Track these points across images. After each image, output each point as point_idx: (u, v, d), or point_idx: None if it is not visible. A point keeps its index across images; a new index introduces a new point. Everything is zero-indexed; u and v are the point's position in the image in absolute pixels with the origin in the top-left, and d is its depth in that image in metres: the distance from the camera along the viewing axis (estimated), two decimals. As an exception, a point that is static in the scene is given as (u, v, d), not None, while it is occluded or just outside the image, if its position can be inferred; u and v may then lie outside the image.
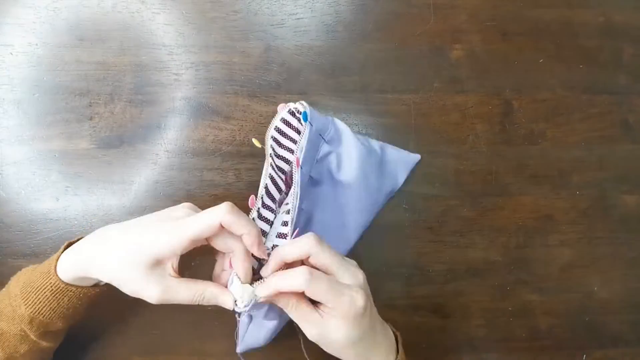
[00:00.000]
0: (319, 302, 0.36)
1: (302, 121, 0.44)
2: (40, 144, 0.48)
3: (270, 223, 0.43)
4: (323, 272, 0.35)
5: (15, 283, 0.38)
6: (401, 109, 0.51)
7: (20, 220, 0.47)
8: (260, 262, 0.40)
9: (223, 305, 0.37)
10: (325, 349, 0.37)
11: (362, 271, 0.37)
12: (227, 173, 0.49)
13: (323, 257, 0.35)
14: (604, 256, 0.52)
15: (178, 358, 0.48)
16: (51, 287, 0.36)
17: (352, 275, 0.36)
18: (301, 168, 0.42)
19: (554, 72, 0.53)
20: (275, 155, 0.44)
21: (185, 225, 0.34)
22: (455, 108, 0.52)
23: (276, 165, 0.43)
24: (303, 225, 0.45)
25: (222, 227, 0.34)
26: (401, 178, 0.50)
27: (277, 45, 0.51)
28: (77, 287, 0.37)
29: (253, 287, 0.36)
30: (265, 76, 0.50)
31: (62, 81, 0.48)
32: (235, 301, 0.36)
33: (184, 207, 0.38)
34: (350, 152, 0.47)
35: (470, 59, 0.53)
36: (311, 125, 0.44)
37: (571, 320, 0.52)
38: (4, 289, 0.39)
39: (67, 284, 0.36)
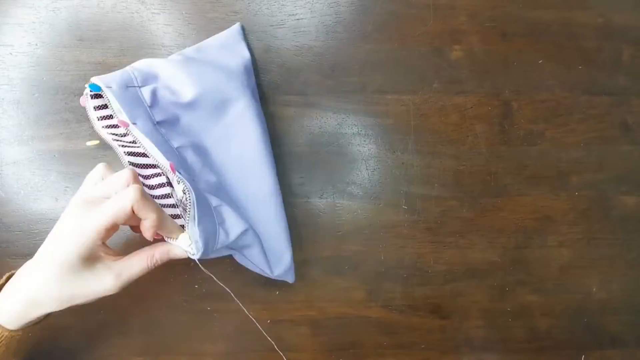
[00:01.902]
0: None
1: (100, 93, 0.42)
2: (39, 144, 0.48)
3: (167, 184, 0.41)
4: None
5: None
6: (400, 109, 0.51)
7: (20, 220, 0.47)
8: (184, 207, 0.39)
9: (179, 256, 0.37)
10: None
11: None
12: (227, 173, 0.49)
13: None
14: (602, 257, 0.53)
15: (178, 358, 0.48)
16: None
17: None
18: (135, 124, 0.41)
19: (553, 73, 0.53)
20: (120, 136, 0.42)
21: (95, 218, 0.33)
22: (455, 109, 0.52)
23: (127, 142, 0.42)
24: (203, 160, 0.45)
25: (132, 211, 0.33)
26: (243, 51, 0.48)
27: (276, 46, 0.51)
28: (24, 329, 0.35)
29: (187, 228, 0.37)
30: (265, 76, 0.50)
31: (62, 81, 0.48)
32: (190, 246, 0.37)
33: (97, 173, 0.38)
34: (170, 74, 0.44)
35: (469, 60, 0.53)
36: (109, 87, 0.41)
37: (570, 321, 0.52)
38: None
39: (11, 331, 0.35)
